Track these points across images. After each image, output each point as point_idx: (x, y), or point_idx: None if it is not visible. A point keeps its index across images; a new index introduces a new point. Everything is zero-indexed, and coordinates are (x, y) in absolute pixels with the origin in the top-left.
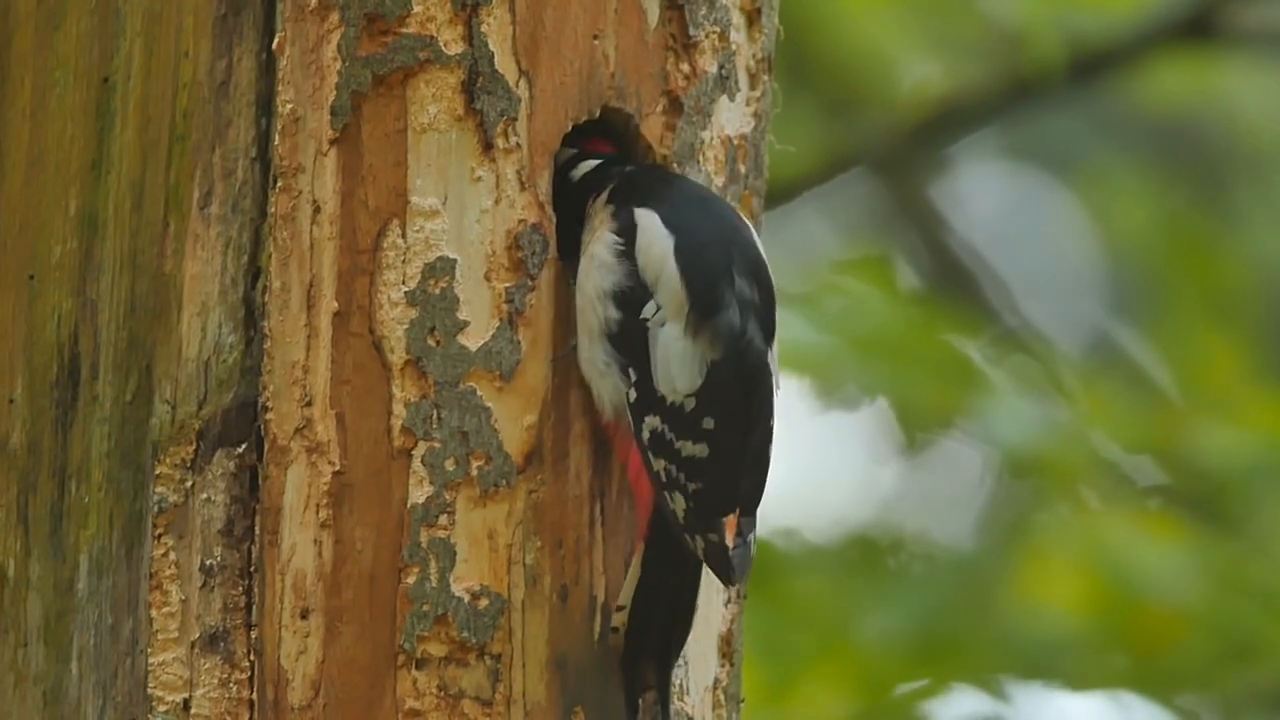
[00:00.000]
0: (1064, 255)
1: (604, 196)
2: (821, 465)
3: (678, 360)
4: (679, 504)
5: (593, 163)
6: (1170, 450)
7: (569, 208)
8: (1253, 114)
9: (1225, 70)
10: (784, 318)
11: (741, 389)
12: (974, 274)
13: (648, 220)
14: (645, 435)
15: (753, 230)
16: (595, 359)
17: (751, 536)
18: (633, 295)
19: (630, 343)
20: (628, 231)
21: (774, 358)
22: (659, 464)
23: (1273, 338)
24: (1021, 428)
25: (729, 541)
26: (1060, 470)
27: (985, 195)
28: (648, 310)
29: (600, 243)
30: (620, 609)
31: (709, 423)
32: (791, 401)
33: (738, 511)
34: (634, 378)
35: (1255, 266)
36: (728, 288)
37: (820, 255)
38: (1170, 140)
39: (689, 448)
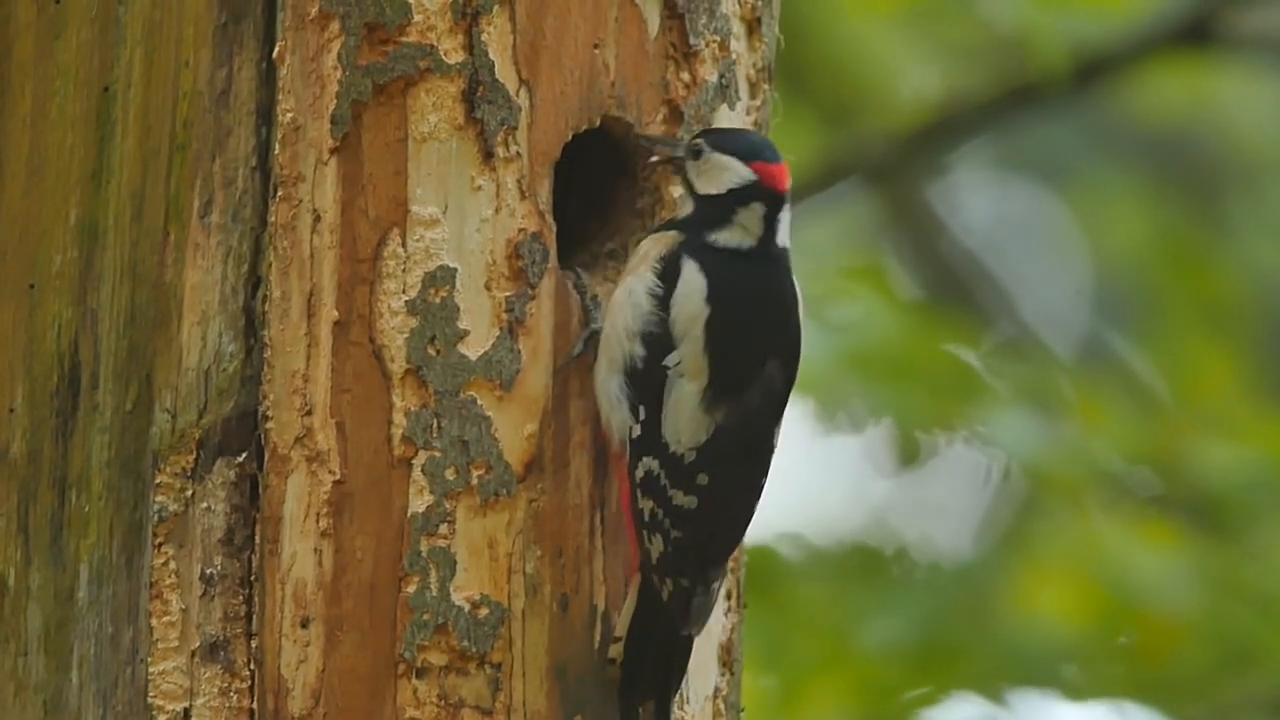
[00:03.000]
0: (1058, 265)
1: (674, 233)
2: (819, 473)
3: (688, 414)
4: (656, 546)
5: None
6: (1168, 464)
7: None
8: (1247, 124)
9: (1221, 79)
10: None
11: (742, 454)
12: (971, 282)
13: (692, 276)
14: (639, 474)
15: (801, 307)
16: (610, 390)
17: (716, 585)
18: (659, 340)
19: (648, 383)
20: (669, 279)
21: (780, 431)
22: (646, 504)
23: (1267, 348)
24: (1022, 441)
25: (696, 589)
26: (1061, 484)
27: (980, 205)
28: (671, 359)
29: (640, 280)
30: (617, 640)
31: (703, 479)
32: (794, 422)
33: (707, 563)
34: (642, 416)
35: (1249, 277)
36: (756, 374)
37: (818, 263)
38: (1164, 150)
39: (680, 497)
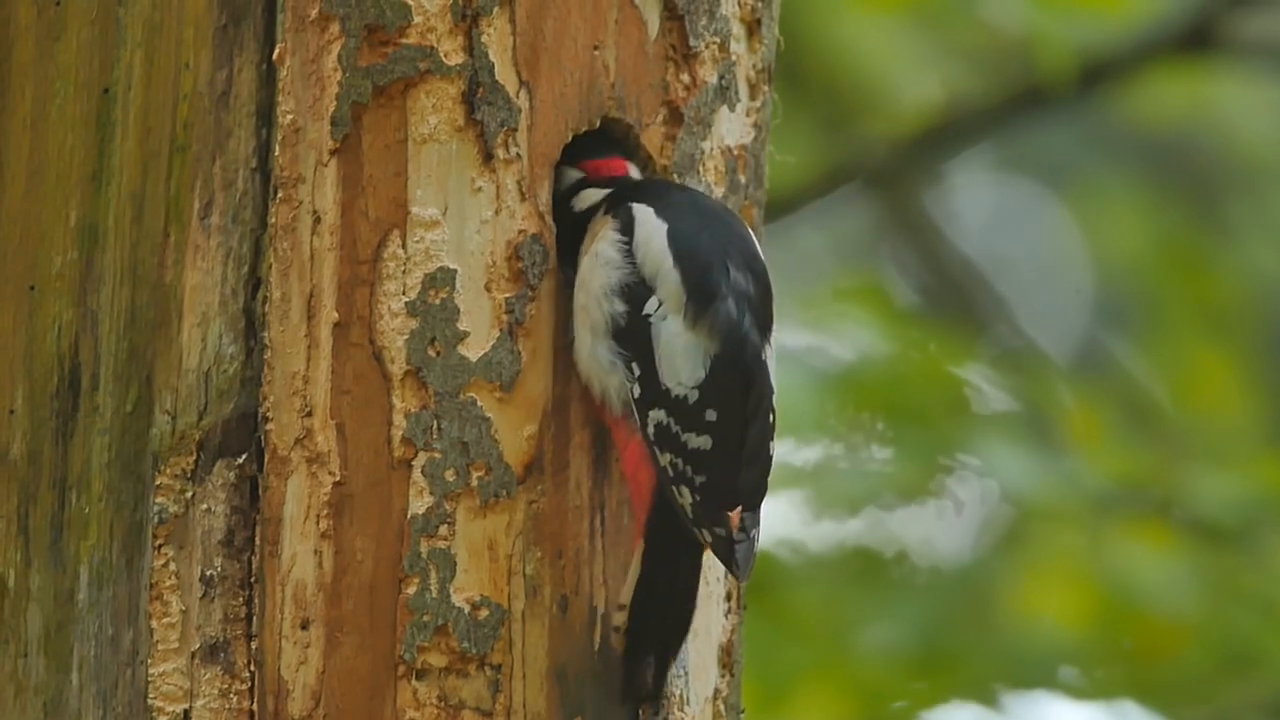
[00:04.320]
0: (1058, 269)
1: (601, 210)
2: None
3: (681, 353)
4: (686, 498)
5: (600, 192)
6: (1166, 490)
7: (570, 230)
8: (1247, 129)
9: (1221, 85)
10: (779, 375)
11: (740, 381)
12: (969, 289)
13: (643, 214)
14: (650, 429)
15: (746, 225)
16: (600, 356)
17: (755, 533)
18: (636, 291)
19: (634, 338)
20: (628, 228)
21: (771, 352)
22: (665, 458)
23: (1267, 353)
24: (1018, 475)
25: (735, 536)
26: (1058, 516)
27: (980, 209)
28: (650, 306)
29: (604, 241)
30: (622, 608)
31: (711, 415)
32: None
33: (740, 507)
34: (637, 373)
35: (1249, 282)
36: (722, 277)
37: (817, 269)
38: (1165, 155)
39: (694, 440)
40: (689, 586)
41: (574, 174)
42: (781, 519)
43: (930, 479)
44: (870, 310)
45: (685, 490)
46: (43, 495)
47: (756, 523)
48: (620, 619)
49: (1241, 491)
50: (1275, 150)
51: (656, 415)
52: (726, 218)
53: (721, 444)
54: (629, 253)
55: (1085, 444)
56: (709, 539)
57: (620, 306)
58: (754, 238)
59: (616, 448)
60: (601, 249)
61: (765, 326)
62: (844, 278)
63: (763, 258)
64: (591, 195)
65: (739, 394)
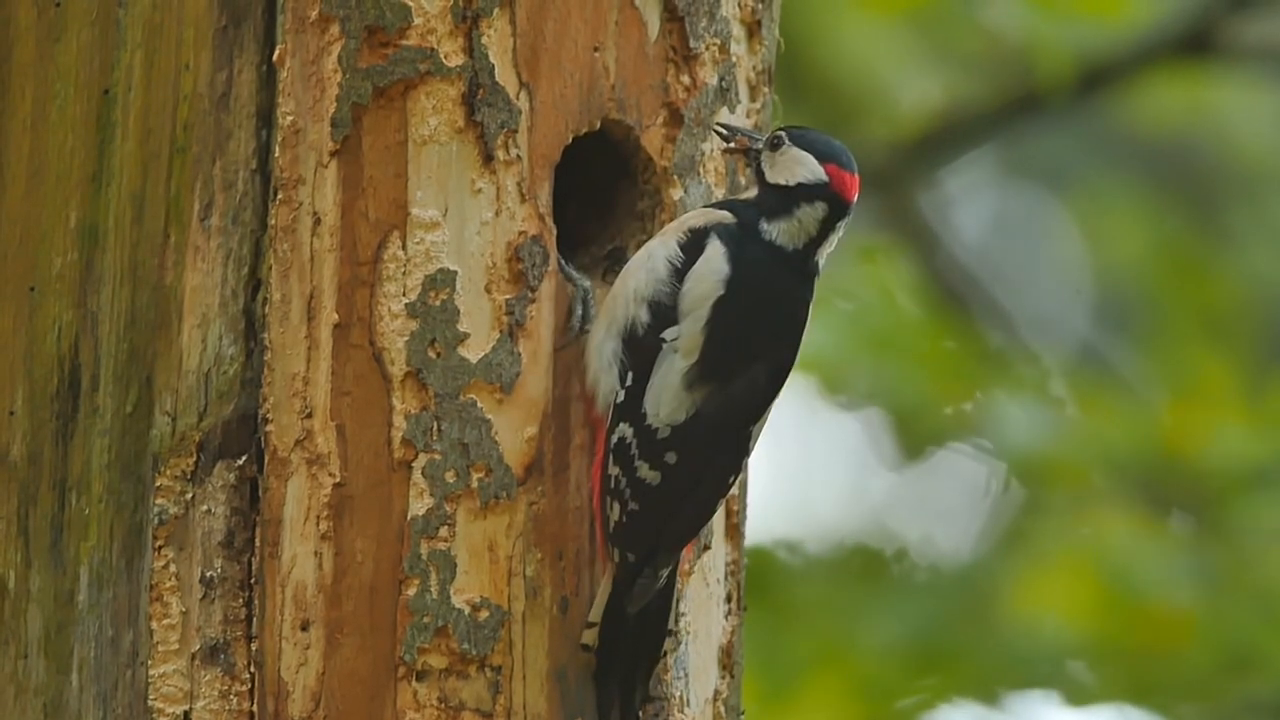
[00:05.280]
0: (1058, 272)
1: (724, 213)
2: (818, 471)
3: (670, 390)
4: (614, 513)
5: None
6: (1169, 448)
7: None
8: (1247, 134)
9: (1221, 89)
10: None
11: (713, 446)
12: (969, 293)
13: (714, 256)
14: (614, 438)
15: (808, 314)
16: (604, 352)
17: (665, 573)
18: (665, 311)
19: (643, 351)
20: (691, 252)
21: (756, 431)
22: (614, 469)
23: (1265, 356)
24: (1027, 429)
25: (643, 570)
26: (1065, 471)
27: (980, 212)
28: (670, 332)
29: (662, 247)
30: (591, 626)
31: (671, 457)
32: (798, 402)
33: (658, 545)
34: (629, 383)
35: (1249, 286)
36: (744, 368)
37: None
38: (1165, 159)
39: (644, 470)
40: (661, 609)
41: (814, 166)
42: (794, 406)
43: (938, 427)
44: (882, 278)
45: (616, 506)
46: (43, 496)
47: (671, 564)
48: (590, 637)
49: (1241, 444)
50: (1275, 155)
51: (624, 429)
52: (791, 305)
53: (667, 486)
54: (678, 273)
55: (1088, 416)
56: (617, 558)
57: (645, 317)
58: (800, 341)
59: (598, 450)
60: (656, 253)
61: (759, 416)
62: (863, 242)
63: (797, 355)
64: (812, 217)
65: (704, 454)
